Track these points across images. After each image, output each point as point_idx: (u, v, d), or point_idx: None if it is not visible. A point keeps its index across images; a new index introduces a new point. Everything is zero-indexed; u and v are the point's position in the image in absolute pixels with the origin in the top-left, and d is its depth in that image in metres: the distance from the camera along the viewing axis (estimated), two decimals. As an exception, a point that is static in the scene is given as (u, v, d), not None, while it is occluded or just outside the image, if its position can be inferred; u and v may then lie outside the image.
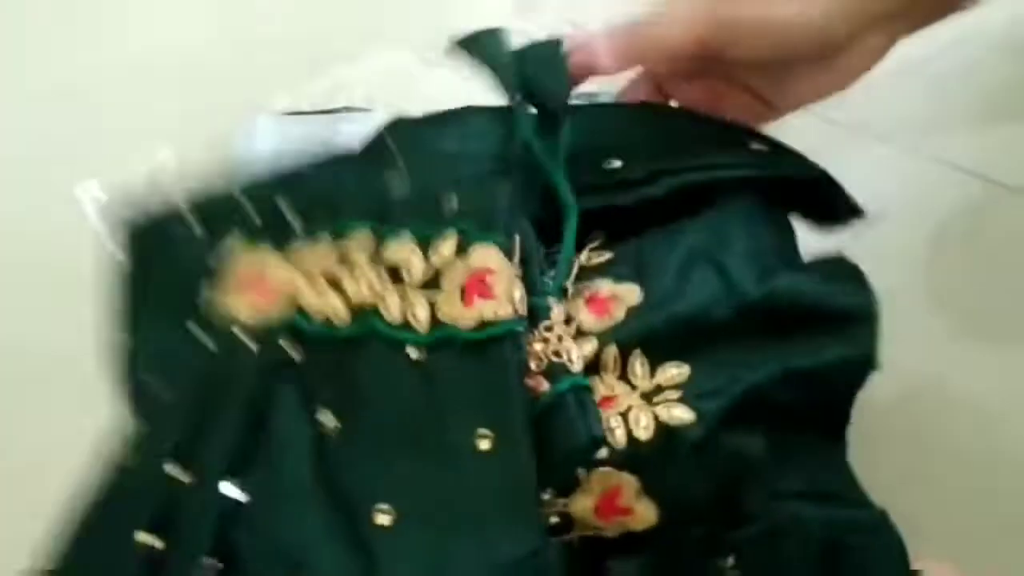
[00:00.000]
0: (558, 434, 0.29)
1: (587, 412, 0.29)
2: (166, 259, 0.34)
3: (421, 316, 0.30)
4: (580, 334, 0.32)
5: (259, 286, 0.32)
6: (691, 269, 0.33)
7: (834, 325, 0.32)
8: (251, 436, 0.30)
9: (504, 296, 0.30)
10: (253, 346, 0.31)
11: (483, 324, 0.30)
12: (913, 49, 0.46)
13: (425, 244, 0.31)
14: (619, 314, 0.32)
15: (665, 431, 0.30)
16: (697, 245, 0.34)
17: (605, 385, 0.32)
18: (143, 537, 0.29)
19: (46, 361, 0.46)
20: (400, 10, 0.53)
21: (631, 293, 0.33)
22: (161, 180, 0.49)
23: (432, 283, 0.31)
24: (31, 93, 0.54)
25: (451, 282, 0.31)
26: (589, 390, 0.30)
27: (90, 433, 0.32)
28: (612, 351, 0.32)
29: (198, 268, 0.33)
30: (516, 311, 0.29)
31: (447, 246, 0.31)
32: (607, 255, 0.35)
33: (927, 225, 0.45)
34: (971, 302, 0.44)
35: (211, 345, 0.32)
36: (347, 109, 0.50)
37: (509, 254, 0.31)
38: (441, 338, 0.30)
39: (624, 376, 0.32)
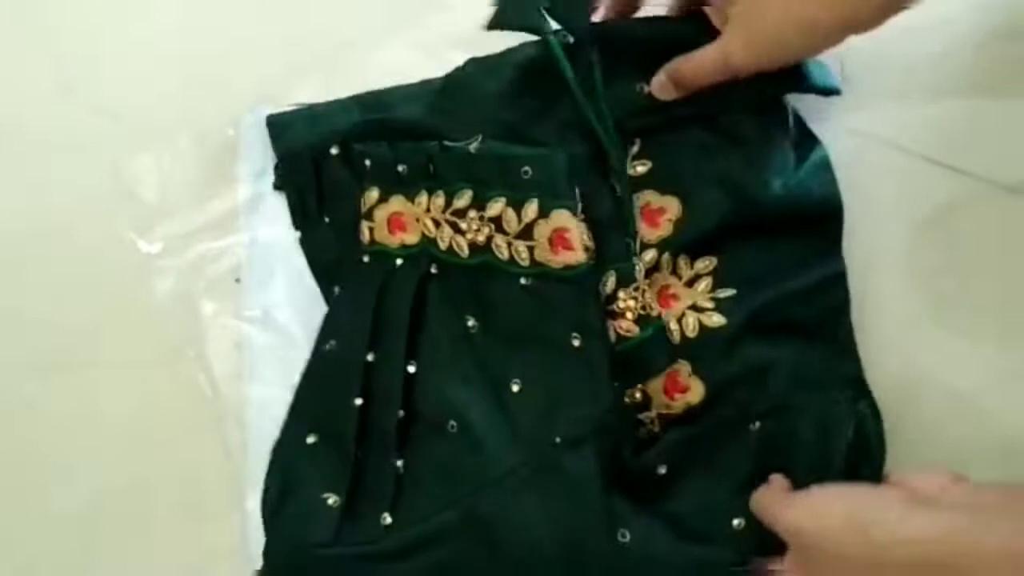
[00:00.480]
0: (647, 358, 0.44)
1: (663, 345, 0.44)
2: (326, 185, 0.49)
3: (524, 257, 0.44)
4: (644, 247, 0.45)
5: (399, 223, 0.47)
6: (717, 184, 0.44)
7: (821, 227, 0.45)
8: (416, 328, 0.46)
9: (580, 247, 0.42)
10: (406, 263, 0.47)
11: (568, 267, 0.43)
12: (893, 43, 0.48)
13: (517, 206, 0.43)
14: (667, 228, 0.45)
15: (707, 330, 0.44)
16: (721, 163, 0.44)
17: (662, 279, 0.45)
18: (356, 400, 0.45)
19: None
20: (403, 6, 0.54)
21: (673, 205, 0.45)
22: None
23: (526, 234, 0.43)
24: (39, 87, 0.55)
25: (541, 235, 0.43)
26: (664, 329, 0.44)
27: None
28: (665, 257, 0.45)
29: (352, 201, 0.48)
30: (588, 257, 0.42)
31: (532, 209, 0.43)
32: (647, 164, 0.46)
33: (904, 217, 0.46)
34: (951, 292, 0.45)
35: (372, 262, 0.47)
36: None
37: (576, 213, 0.43)
38: (541, 273, 0.43)
39: (674, 272, 0.45)
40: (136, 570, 0.48)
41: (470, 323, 0.45)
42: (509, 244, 0.44)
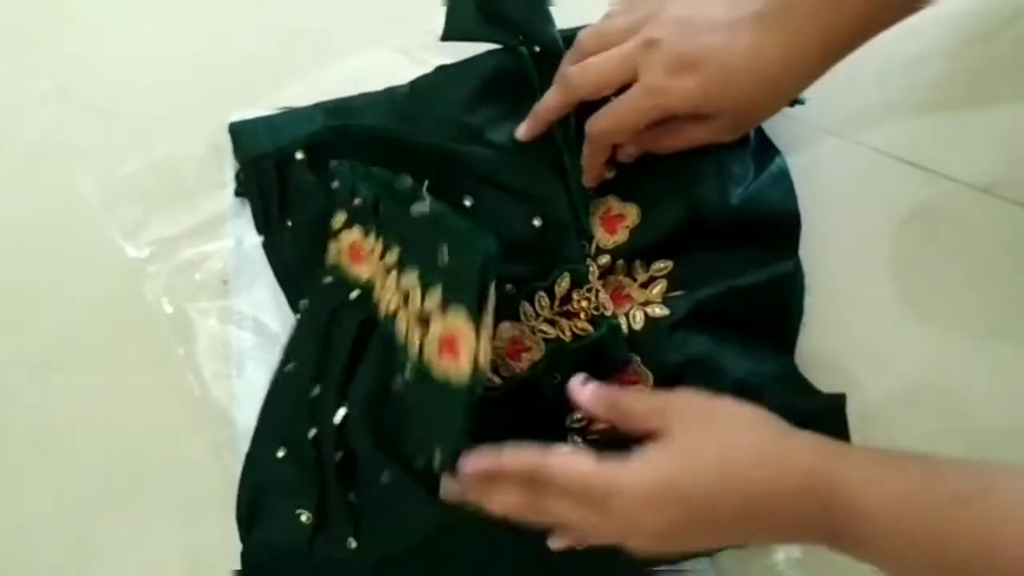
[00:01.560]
0: (604, 355, 0.45)
1: (618, 341, 0.45)
2: (290, 190, 0.48)
3: (415, 344, 0.39)
4: (599, 251, 0.46)
5: (357, 254, 0.45)
6: (677, 194, 0.45)
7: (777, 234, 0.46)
8: (352, 372, 0.44)
9: (467, 359, 0.37)
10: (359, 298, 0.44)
11: (445, 380, 0.38)
12: (867, 50, 0.48)
13: (425, 287, 0.39)
14: (623, 235, 0.46)
15: (650, 321, 0.45)
16: (683, 172, 0.45)
17: (616, 281, 0.46)
18: (310, 432, 0.44)
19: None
20: (386, 10, 0.54)
21: (632, 213, 0.46)
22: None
23: (425, 320, 0.39)
24: (36, 92, 0.55)
25: (435, 329, 0.38)
26: (618, 328, 0.45)
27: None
28: (620, 262, 0.46)
29: (316, 206, 0.47)
30: (473, 372, 0.37)
31: (436, 297, 0.38)
32: (613, 170, 0.46)
33: (879, 216, 0.47)
34: (925, 290, 0.46)
35: (331, 286, 0.46)
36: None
37: (478, 316, 0.36)
38: (422, 371, 0.39)
39: (629, 274, 0.46)
40: (128, 568, 0.49)
41: (398, 380, 0.42)
42: (407, 325, 0.40)
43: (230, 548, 0.46)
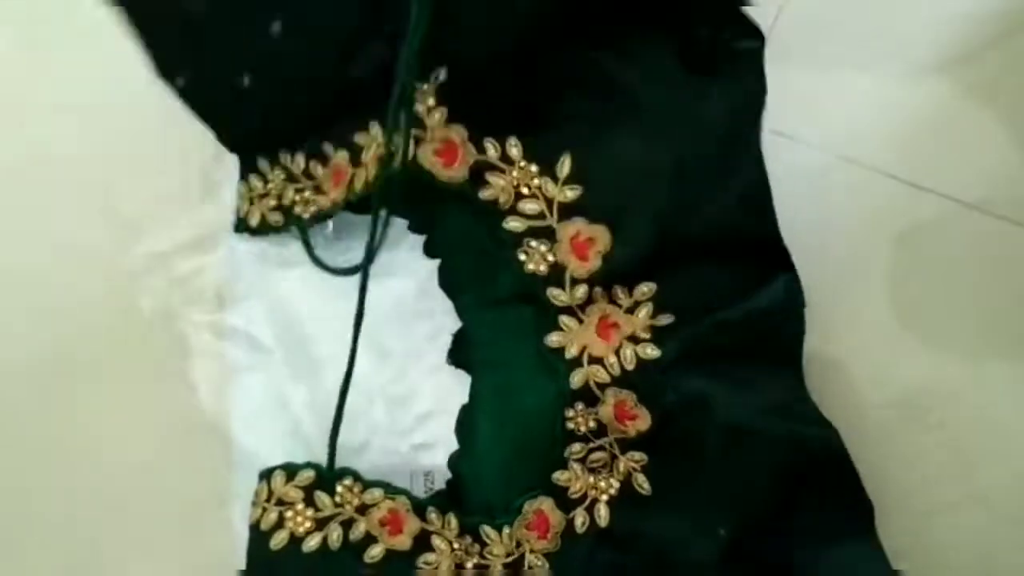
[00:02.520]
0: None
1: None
2: None
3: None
4: (574, 282, 0.43)
5: None
6: (648, 212, 0.43)
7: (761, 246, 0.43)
8: None
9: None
10: None
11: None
12: (858, 67, 0.49)
13: None
14: (596, 261, 0.43)
15: (643, 362, 0.43)
16: (653, 186, 0.43)
17: (599, 310, 0.44)
18: None
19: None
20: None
21: (602, 235, 0.43)
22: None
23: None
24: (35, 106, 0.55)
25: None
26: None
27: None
28: (598, 289, 0.43)
29: None
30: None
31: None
32: (578, 189, 0.43)
33: (868, 232, 0.47)
34: (914, 306, 0.47)
35: None
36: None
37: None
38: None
39: (612, 301, 0.44)
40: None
41: None
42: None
43: (226, 561, 0.46)
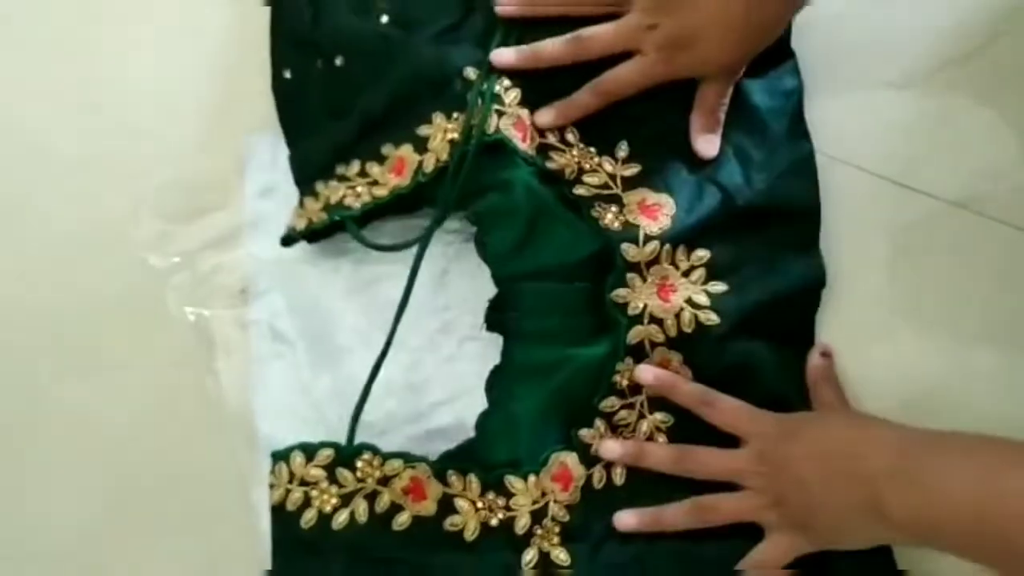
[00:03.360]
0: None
1: None
2: None
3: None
4: (647, 238, 0.47)
5: None
6: (704, 184, 0.49)
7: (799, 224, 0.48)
8: None
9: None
10: None
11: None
12: (851, 73, 0.51)
13: None
14: (665, 221, 0.48)
15: (702, 328, 0.46)
16: (703, 166, 0.49)
17: (663, 271, 0.47)
18: None
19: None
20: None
21: (668, 202, 0.48)
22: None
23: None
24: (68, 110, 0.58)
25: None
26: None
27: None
28: (666, 248, 0.47)
29: None
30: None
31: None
32: (637, 167, 0.49)
33: (858, 229, 0.50)
34: (902, 302, 0.49)
35: None
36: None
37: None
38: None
39: (673, 262, 0.48)
40: (147, 569, 0.51)
41: None
42: None
43: (245, 550, 0.49)
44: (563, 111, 0.49)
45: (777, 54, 0.50)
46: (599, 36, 0.49)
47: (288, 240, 0.51)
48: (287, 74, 0.54)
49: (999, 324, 0.48)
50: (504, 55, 0.49)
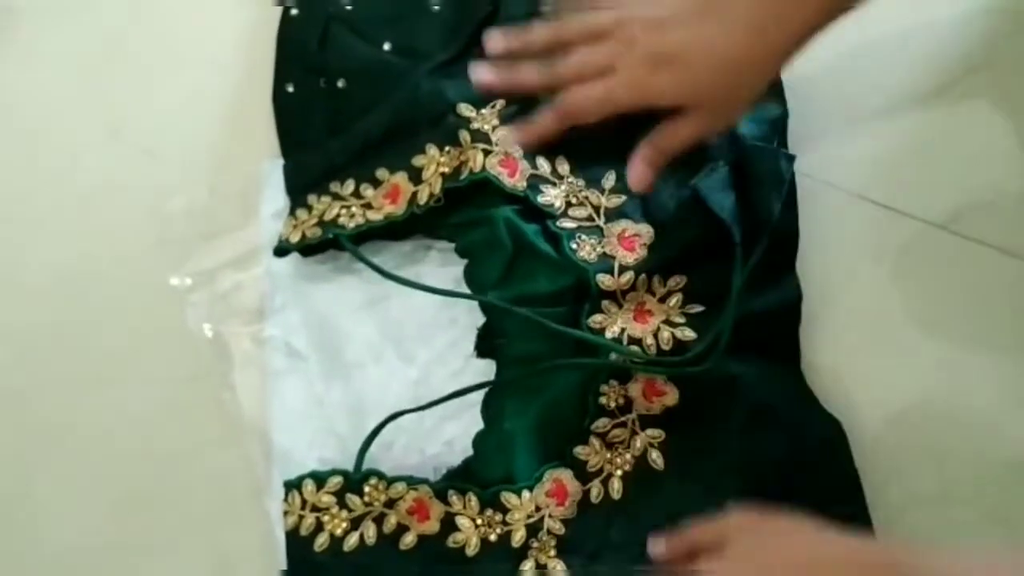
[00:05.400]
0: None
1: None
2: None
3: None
4: (622, 269, 0.49)
5: None
6: (683, 212, 0.50)
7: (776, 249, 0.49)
8: None
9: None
10: None
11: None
12: (834, 100, 0.54)
13: None
14: (642, 252, 0.50)
15: (679, 343, 0.48)
16: (688, 191, 0.49)
17: (637, 297, 0.49)
18: None
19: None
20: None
21: (646, 232, 0.51)
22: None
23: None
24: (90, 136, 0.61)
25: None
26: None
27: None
28: (642, 277, 0.49)
29: None
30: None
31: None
32: (622, 198, 0.52)
33: (843, 251, 0.52)
34: (887, 322, 0.51)
35: None
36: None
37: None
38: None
39: (649, 290, 0.50)
40: (165, 571, 0.53)
41: None
42: None
43: (259, 556, 0.51)
44: (526, 131, 0.50)
45: None
46: (576, 58, 0.47)
47: (281, 251, 0.54)
48: (289, 88, 0.57)
49: (980, 341, 0.50)
50: (482, 73, 0.49)
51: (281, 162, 0.57)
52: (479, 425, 0.51)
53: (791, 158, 0.50)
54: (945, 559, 0.37)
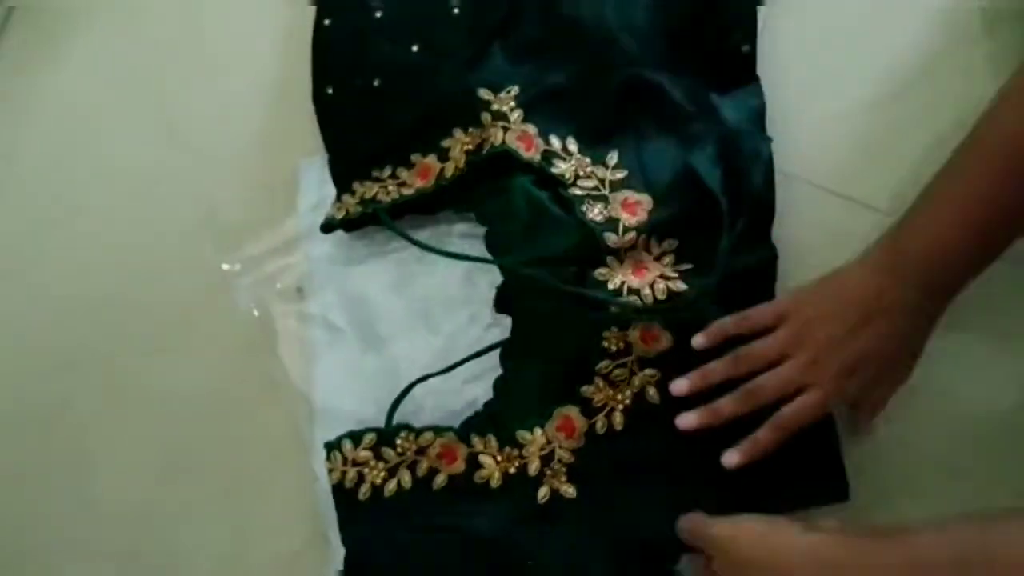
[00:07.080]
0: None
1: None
2: None
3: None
4: (625, 230, 0.56)
5: None
6: (678, 184, 0.56)
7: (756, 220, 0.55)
8: None
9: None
10: None
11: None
12: (801, 88, 0.59)
13: None
14: (643, 215, 0.57)
15: (673, 294, 0.55)
16: (682, 167, 0.56)
17: (635, 255, 0.56)
18: None
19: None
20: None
21: (646, 200, 0.58)
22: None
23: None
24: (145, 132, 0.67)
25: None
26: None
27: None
28: (642, 238, 0.56)
29: None
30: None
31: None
32: (624, 172, 0.59)
33: (809, 240, 0.56)
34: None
35: None
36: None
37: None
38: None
39: (646, 249, 0.57)
40: (214, 526, 0.60)
41: None
42: None
43: (305, 509, 0.57)
44: (745, 450, 0.50)
45: (745, 77, 0.59)
46: (769, 384, 0.50)
47: (328, 227, 0.61)
48: (329, 90, 0.64)
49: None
50: (688, 422, 0.51)
51: (316, 160, 0.63)
52: None
53: (769, 140, 0.56)
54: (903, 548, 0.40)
